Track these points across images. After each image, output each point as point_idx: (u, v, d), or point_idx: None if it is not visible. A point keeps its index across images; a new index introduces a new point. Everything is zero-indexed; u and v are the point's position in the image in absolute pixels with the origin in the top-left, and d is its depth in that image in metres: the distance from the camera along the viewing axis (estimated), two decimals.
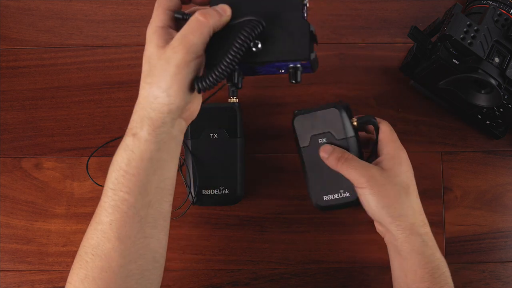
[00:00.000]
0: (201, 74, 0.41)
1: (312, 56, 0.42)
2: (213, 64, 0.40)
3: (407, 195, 0.48)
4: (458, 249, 0.62)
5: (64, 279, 0.61)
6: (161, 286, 0.62)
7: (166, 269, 0.61)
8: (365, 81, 0.64)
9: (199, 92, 0.41)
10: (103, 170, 0.62)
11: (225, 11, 0.40)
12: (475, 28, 0.51)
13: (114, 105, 0.64)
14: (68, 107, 0.64)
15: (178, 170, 0.62)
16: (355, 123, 0.53)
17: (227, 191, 0.59)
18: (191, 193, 0.59)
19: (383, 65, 0.65)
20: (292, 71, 0.42)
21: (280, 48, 0.41)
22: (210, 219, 0.62)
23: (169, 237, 0.62)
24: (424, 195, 0.62)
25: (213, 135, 0.59)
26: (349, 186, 0.52)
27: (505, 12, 0.54)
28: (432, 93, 0.62)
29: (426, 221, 0.49)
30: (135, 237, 0.42)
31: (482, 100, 0.53)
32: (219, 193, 0.59)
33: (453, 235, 0.62)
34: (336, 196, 0.54)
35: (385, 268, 0.61)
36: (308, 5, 0.42)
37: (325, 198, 0.54)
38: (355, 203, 0.53)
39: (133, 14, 0.66)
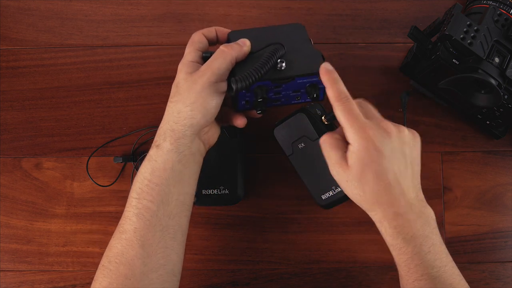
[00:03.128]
0: (220, 96, 0.46)
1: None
2: (240, 76, 0.44)
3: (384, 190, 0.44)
4: (458, 249, 0.62)
5: (64, 279, 0.61)
6: None
7: None
8: (365, 81, 0.64)
9: (232, 92, 0.45)
10: (103, 170, 0.62)
11: (245, 43, 0.46)
12: (475, 28, 0.51)
13: (114, 105, 0.64)
14: (68, 107, 0.64)
15: None
16: (325, 121, 0.56)
17: (227, 191, 0.59)
18: None
19: (383, 65, 0.65)
20: (310, 89, 0.48)
21: (299, 66, 0.47)
22: (210, 219, 0.62)
23: None
24: (424, 195, 0.62)
25: None
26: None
27: (505, 12, 0.54)
28: (432, 93, 0.62)
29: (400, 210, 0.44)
30: (157, 246, 0.44)
31: (482, 100, 0.53)
32: (219, 193, 0.59)
33: (453, 235, 0.62)
34: (330, 193, 0.56)
35: (385, 268, 0.61)
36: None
37: (323, 197, 0.57)
38: (348, 197, 0.55)
39: (133, 14, 0.66)
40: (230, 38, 0.48)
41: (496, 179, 0.63)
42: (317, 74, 0.47)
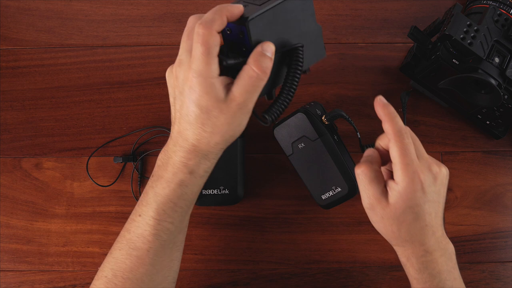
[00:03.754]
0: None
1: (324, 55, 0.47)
2: (274, 104, 0.42)
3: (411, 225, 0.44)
4: (458, 249, 0.62)
5: (64, 279, 0.61)
6: None
7: None
8: (365, 81, 0.64)
9: (267, 124, 0.42)
10: (103, 170, 0.62)
11: (272, 51, 0.40)
12: (475, 28, 0.51)
13: (114, 105, 0.64)
14: (68, 107, 0.64)
15: None
16: (325, 121, 0.57)
17: (227, 191, 0.59)
18: None
19: (383, 65, 0.65)
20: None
21: (309, 57, 0.44)
22: (210, 219, 0.62)
23: None
24: None
25: None
26: (338, 181, 0.56)
27: (505, 12, 0.54)
28: (432, 93, 0.62)
29: (430, 248, 0.44)
30: (165, 261, 0.45)
31: (482, 100, 0.53)
32: (219, 193, 0.59)
33: (453, 235, 0.62)
34: (330, 193, 0.57)
35: (385, 268, 0.61)
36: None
37: (323, 197, 0.57)
38: (348, 196, 0.56)
39: (133, 14, 0.66)
40: (250, 29, 0.40)
41: (496, 179, 0.63)
42: (319, 60, 0.46)
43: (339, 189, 0.56)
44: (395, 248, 0.46)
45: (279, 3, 0.42)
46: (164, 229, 0.44)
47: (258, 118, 0.43)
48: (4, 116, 0.64)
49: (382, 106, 0.43)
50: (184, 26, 0.65)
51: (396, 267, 0.62)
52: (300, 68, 0.42)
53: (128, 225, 0.45)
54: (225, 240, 0.62)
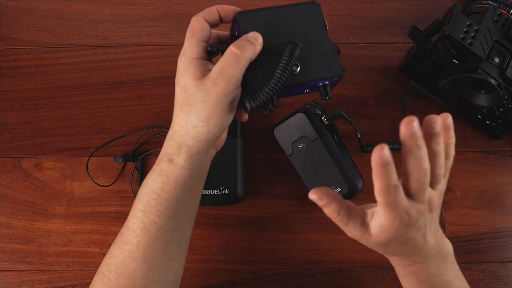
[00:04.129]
0: (235, 104, 0.42)
1: (344, 72, 0.44)
2: (257, 89, 0.41)
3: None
4: (458, 249, 0.62)
5: (64, 279, 0.61)
6: None
7: None
8: (365, 81, 0.64)
9: (247, 111, 0.41)
10: (103, 170, 0.62)
11: (257, 39, 0.40)
12: (475, 28, 0.51)
13: (114, 105, 0.64)
14: (68, 107, 0.64)
15: None
16: (325, 121, 0.57)
17: (227, 191, 0.59)
18: None
19: (383, 65, 0.65)
20: (323, 89, 0.44)
21: (315, 68, 0.42)
22: (210, 219, 0.62)
23: None
24: None
25: None
26: (338, 181, 0.56)
27: (505, 12, 0.54)
28: (432, 93, 0.62)
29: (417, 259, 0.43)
30: (160, 259, 0.44)
31: (482, 100, 0.53)
32: (219, 193, 0.59)
33: (453, 235, 0.62)
34: None
35: (385, 268, 0.61)
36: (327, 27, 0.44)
37: None
38: (348, 197, 0.57)
39: (133, 14, 0.66)
40: (238, 21, 0.42)
41: (496, 179, 0.63)
42: (333, 77, 0.43)
43: (339, 189, 0.56)
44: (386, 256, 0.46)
45: (279, 7, 0.42)
46: (151, 222, 0.43)
47: (240, 102, 0.42)
48: (4, 116, 0.64)
49: (380, 165, 0.36)
50: (184, 26, 0.65)
51: None
52: (286, 61, 0.40)
53: (126, 220, 0.45)
54: (225, 240, 0.62)
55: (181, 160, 0.43)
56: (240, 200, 0.60)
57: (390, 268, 0.61)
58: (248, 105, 0.41)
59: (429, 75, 0.58)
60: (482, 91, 0.53)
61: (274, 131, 0.59)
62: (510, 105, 0.54)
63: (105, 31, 0.65)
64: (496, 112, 0.58)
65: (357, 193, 0.58)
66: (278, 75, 0.40)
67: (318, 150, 0.57)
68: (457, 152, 0.63)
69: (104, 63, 0.65)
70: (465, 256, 0.62)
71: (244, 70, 0.40)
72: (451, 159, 0.42)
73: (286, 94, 0.45)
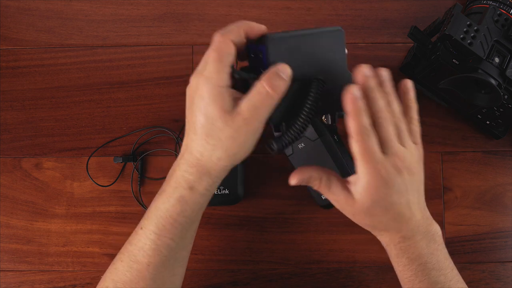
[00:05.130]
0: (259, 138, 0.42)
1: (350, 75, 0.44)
2: (278, 123, 0.41)
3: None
4: (458, 249, 0.62)
5: (64, 279, 0.61)
6: None
7: None
8: None
9: (276, 152, 0.41)
10: (103, 170, 0.62)
11: (287, 73, 0.39)
12: (475, 28, 0.51)
13: (114, 105, 0.64)
14: (68, 107, 0.64)
15: None
16: (325, 121, 0.56)
17: (227, 191, 0.59)
18: None
19: (383, 65, 0.64)
20: (331, 117, 0.49)
21: (332, 101, 0.42)
22: (210, 219, 0.62)
23: None
24: (424, 195, 0.62)
25: None
26: None
27: (505, 12, 0.54)
28: (432, 93, 0.62)
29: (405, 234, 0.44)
30: (167, 277, 0.44)
31: (482, 100, 0.53)
32: (219, 193, 0.59)
33: (453, 235, 0.62)
34: None
35: (385, 268, 0.61)
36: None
37: (323, 197, 0.57)
38: None
39: (133, 14, 0.66)
40: (268, 46, 0.39)
41: (496, 179, 0.63)
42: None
43: None
44: (376, 236, 0.46)
45: (307, 32, 0.41)
46: (164, 244, 0.43)
47: (267, 144, 0.41)
48: (4, 116, 0.64)
49: (351, 101, 0.38)
50: (184, 26, 0.66)
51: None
52: (312, 100, 0.39)
53: (131, 237, 0.45)
54: (225, 240, 0.62)
55: (202, 189, 0.42)
56: (240, 200, 0.60)
57: (390, 268, 0.61)
58: (275, 147, 0.40)
59: (429, 75, 0.58)
60: (482, 91, 0.53)
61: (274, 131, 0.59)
62: (510, 105, 0.54)
63: (105, 31, 0.65)
64: (496, 112, 0.58)
65: None
66: (304, 115, 0.39)
67: (318, 150, 0.57)
68: (457, 152, 0.64)
69: (104, 63, 0.65)
70: (465, 256, 0.62)
71: (272, 110, 0.39)
72: (415, 123, 0.44)
73: None
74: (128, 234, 0.62)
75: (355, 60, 0.65)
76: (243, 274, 0.62)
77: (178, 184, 0.42)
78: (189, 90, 0.41)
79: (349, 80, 0.42)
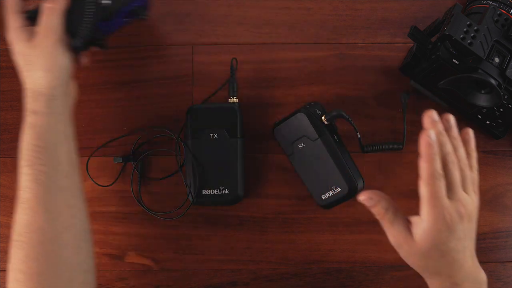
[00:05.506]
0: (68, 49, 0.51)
1: None
2: (78, 29, 0.51)
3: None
4: None
5: None
6: (161, 286, 0.62)
7: (166, 269, 0.62)
8: (365, 81, 0.64)
9: (77, 49, 0.52)
10: (103, 170, 0.62)
11: None
12: (475, 28, 0.51)
13: (114, 105, 0.64)
14: None
15: (178, 171, 0.62)
16: (325, 121, 0.57)
17: (227, 191, 0.59)
18: (191, 193, 0.59)
19: (383, 65, 0.65)
20: (138, 11, 0.55)
21: None
22: (210, 219, 0.62)
23: (169, 237, 0.62)
24: None
25: (213, 135, 0.59)
26: (338, 181, 0.56)
27: (505, 12, 0.54)
28: (432, 93, 0.62)
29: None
30: (61, 206, 0.46)
31: (482, 100, 0.53)
32: (219, 193, 0.59)
33: None
34: (330, 193, 0.57)
35: (385, 268, 0.62)
36: None
37: (323, 197, 0.57)
38: (348, 197, 0.57)
39: None
40: None
41: (496, 179, 0.63)
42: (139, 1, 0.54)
43: (339, 189, 0.56)
44: (425, 279, 0.46)
45: None
46: (39, 172, 0.45)
47: (70, 44, 0.51)
48: (4, 116, 0.64)
49: (427, 146, 0.41)
50: (184, 26, 0.65)
51: (396, 267, 0.62)
52: None
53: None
54: (225, 240, 0.62)
55: (42, 108, 0.47)
56: (240, 200, 0.60)
57: (390, 268, 0.62)
58: (73, 43, 0.51)
59: (429, 75, 0.58)
60: (482, 91, 0.53)
61: (274, 131, 0.59)
62: (510, 105, 0.54)
63: None
64: (496, 112, 0.58)
65: (357, 193, 0.58)
66: (87, 11, 0.50)
67: (318, 150, 0.57)
68: None
69: (104, 63, 0.65)
70: None
71: (62, 18, 0.49)
72: (475, 171, 0.45)
73: (110, 28, 0.56)
74: (128, 234, 0.62)
75: (355, 60, 0.65)
76: (243, 274, 0.62)
77: (25, 116, 0.48)
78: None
79: None
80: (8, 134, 0.63)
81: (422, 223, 0.42)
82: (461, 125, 0.64)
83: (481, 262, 0.62)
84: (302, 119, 0.57)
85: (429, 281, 0.45)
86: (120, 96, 0.64)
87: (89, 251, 0.48)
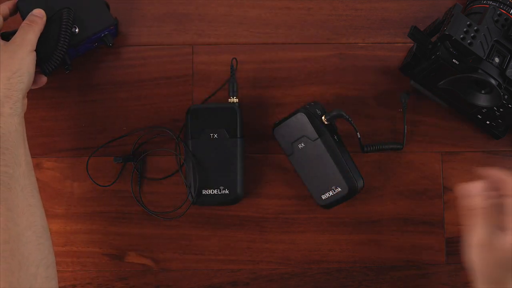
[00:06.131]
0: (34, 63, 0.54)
1: (116, 21, 0.60)
2: (50, 53, 0.55)
3: None
4: (458, 249, 0.62)
5: (65, 279, 0.61)
6: (161, 286, 0.62)
7: (166, 269, 0.62)
8: (365, 81, 0.64)
9: (46, 74, 0.56)
10: (103, 170, 0.62)
11: (41, 14, 0.55)
12: (475, 28, 0.51)
13: (114, 105, 0.64)
14: (68, 107, 0.64)
15: (178, 171, 0.62)
16: (325, 121, 0.57)
17: (227, 191, 0.59)
18: (191, 193, 0.59)
19: (383, 65, 0.65)
20: (106, 39, 0.60)
21: (91, 24, 0.58)
22: (210, 219, 0.62)
23: (169, 237, 0.62)
24: (424, 195, 0.63)
25: (213, 135, 0.59)
26: (338, 181, 0.56)
27: (505, 12, 0.54)
28: (432, 93, 0.62)
29: None
30: (22, 205, 0.48)
31: (482, 100, 0.53)
32: (219, 193, 0.59)
33: (453, 235, 0.62)
34: (330, 193, 0.57)
35: (385, 268, 0.61)
36: None
37: (323, 197, 0.57)
38: (348, 197, 0.57)
39: (133, 14, 0.65)
40: (20, 8, 0.56)
41: None
42: (109, 27, 0.58)
43: (339, 189, 0.56)
44: None
45: None
46: (2, 172, 0.47)
47: (41, 69, 0.56)
48: None
49: None
50: (184, 26, 0.65)
51: (396, 267, 0.62)
52: (65, 25, 0.55)
53: None
54: (225, 240, 0.62)
55: (6, 109, 0.49)
56: (240, 200, 0.60)
57: (390, 268, 0.62)
58: (46, 68, 0.55)
59: (429, 75, 0.58)
60: (482, 91, 0.53)
61: (274, 131, 0.59)
62: (510, 105, 0.54)
63: None
64: (496, 112, 0.58)
65: (357, 193, 0.58)
66: (62, 39, 0.55)
67: (318, 150, 0.57)
68: (457, 152, 0.64)
69: (104, 63, 0.65)
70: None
71: (37, 36, 0.53)
72: None
73: (77, 53, 0.60)
74: (128, 234, 0.62)
75: (355, 60, 0.65)
76: (243, 274, 0.62)
77: None
78: None
79: (101, 4, 0.59)
80: None
81: None
82: (461, 125, 0.64)
83: None
84: (302, 119, 0.57)
85: None
86: (120, 96, 0.64)
87: (50, 247, 0.50)
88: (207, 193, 0.59)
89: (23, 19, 0.55)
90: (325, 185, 0.57)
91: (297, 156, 0.58)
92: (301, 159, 0.58)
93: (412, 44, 0.61)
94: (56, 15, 0.56)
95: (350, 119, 0.57)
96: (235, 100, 0.61)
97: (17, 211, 0.47)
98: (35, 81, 0.55)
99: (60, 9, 0.56)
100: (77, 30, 0.57)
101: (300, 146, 0.57)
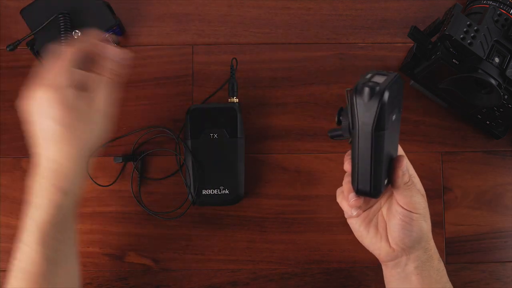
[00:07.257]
0: None
1: (118, 20, 0.59)
2: None
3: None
4: (458, 249, 0.62)
5: None
6: (161, 286, 0.62)
7: (166, 269, 0.62)
8: None
9: None
10: (103, 170, 0.62)
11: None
12: (475, 28, 0.51)
13: (114, 105, 0.64)
14: None
15: (178, 171, 0.62)
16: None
17: (227, 191, 0.59)
18: (191, 193, 0.59)
19: (383, 65, 0.65)
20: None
21: (93, 27, 0.55)
22: (210, 219, 0.62)
23: (169, 237, 0.62)
24: (425, 195, 0.62)
25: (213, 135, 0.59)
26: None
27: (505, 12, 0.54)
28: (432, 93, 0.62)
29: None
30: (61, 272, 0.47)
31: (482, 100, 0.53)
32: (219, 193, 0.59)
33: (453, 235, 0.62)
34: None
35: None
36: None
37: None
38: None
39: (133, 14, 0.65)
40: (24, 17, 0.58)
41: (496, 179, 0.63)
42: (112, 27, 0.58)
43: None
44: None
45: None
46: (51, 249, 0.45)
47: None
48: (4, 116, 0.64)
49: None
50: (184, 26, 0.65)
51: None
52: (64, 30, 0.55)
53: (18, 253, 0.47)
54: (225, 240, 0.62)
55: (69, 186, 0.46)
56: (240, 200, 0.60)
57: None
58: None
59: (429, 75, 0.58)
60: (482, 91, 0.53)
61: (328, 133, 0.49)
62: (510, 105, 0.54)
63: None
64: (496, 112, 0.58)
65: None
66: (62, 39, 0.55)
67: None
68: (457, 152, 0.64)
69: None
70: (465, 256, 0.62)
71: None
72: None
73: None
74: (128, 234, 0.62)
75: (355, 60, 0.65)
76: (243, 274, 0.62)
77: (49, 192, 0.44)
78: (32, 101, 0.45)
79: (103, 6, 0.58)
80: (8, 134, 0.63)
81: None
82: (461, 125, 0.64)
83: (481, 262, 0.62)
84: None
85: (411, 257, 0.47)
86: (120, 96, 0.64)
87: None
88: (207, 193, 0.59)
89: (29, 28, 0.54)
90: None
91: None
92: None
93: (412, 44, 0.61)
94: (53, 22, 0.56)
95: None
96: (235, 100, 0.61)
97: (55, 279, 0.46)
98: None
99: (56, 16, 0.56)
100: (79, 33, 0.57)
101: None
